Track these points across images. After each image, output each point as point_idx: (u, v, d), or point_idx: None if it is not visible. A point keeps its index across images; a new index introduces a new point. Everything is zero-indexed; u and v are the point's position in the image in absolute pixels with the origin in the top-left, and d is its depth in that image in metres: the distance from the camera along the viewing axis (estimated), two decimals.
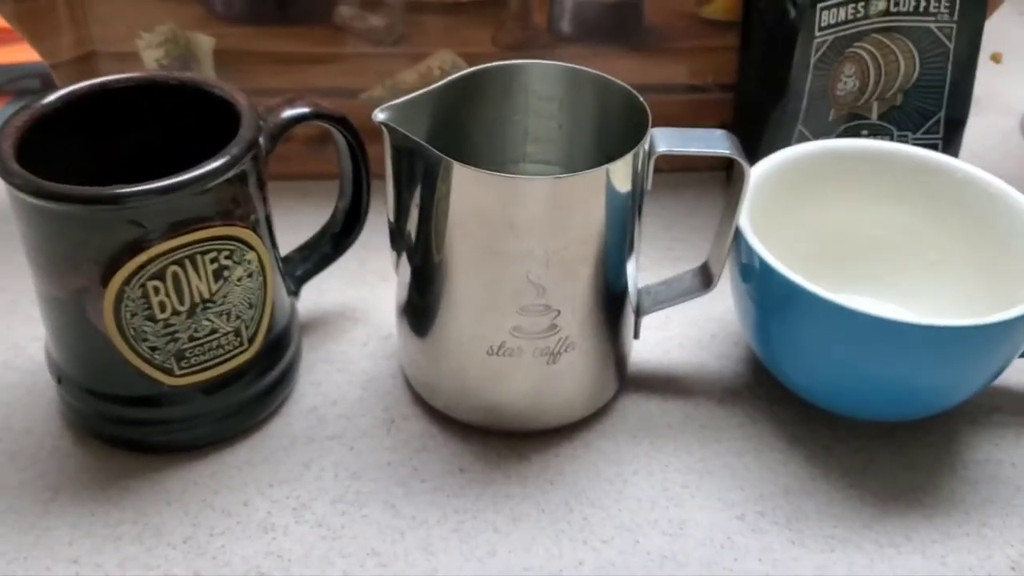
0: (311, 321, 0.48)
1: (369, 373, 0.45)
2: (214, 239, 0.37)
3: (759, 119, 0.52)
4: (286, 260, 0.45)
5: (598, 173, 0.36)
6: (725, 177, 0.58)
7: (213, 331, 0.38)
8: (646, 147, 0.38)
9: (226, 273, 0.38)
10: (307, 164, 0.57)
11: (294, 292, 0.45)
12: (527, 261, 0.37)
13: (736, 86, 0.56)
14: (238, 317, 0.39)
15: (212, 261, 0.37)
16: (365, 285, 0.51)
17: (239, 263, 0.38)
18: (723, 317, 0.49)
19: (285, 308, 0.43)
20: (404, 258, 0.41)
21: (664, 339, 0.47)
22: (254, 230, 0.39)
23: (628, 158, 0.37)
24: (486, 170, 0.36)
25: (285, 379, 0.43)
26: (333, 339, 0.47)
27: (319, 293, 0.49)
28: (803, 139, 0.51)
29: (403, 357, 0.44)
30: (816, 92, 0.50)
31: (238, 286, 0.38)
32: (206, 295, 0.38)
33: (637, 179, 0.38)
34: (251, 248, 0.38)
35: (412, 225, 0.40)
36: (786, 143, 0.49)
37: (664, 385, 0.45)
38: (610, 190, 0.37)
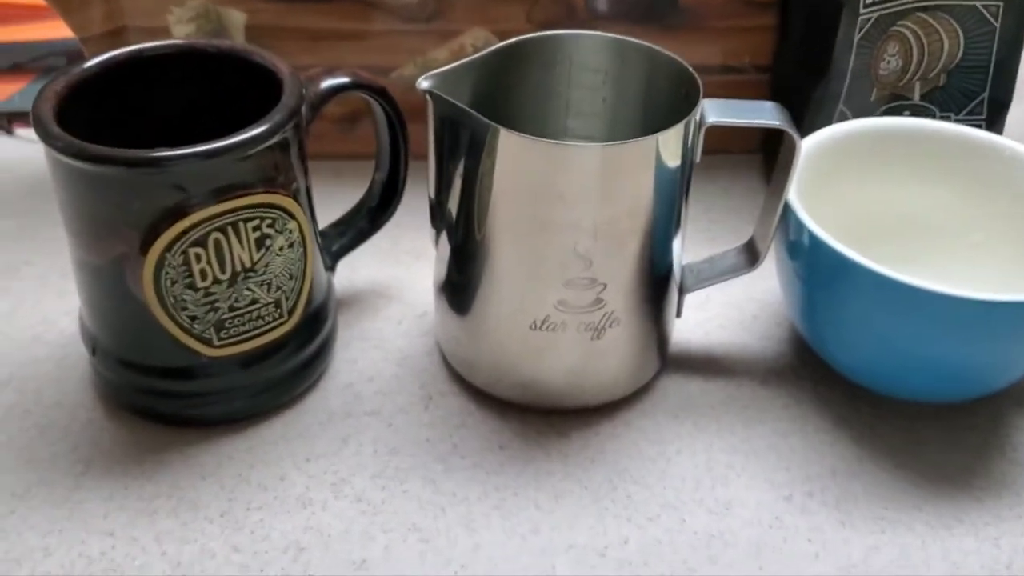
0: (345, 298, 0.47)
1: (405, 351, 0.45)
2: (257, 206, 0.36)
3: (799, 100, 0.51)
4: (322, 235, 0.44)
5: (649, 142, 0.35)
6: (761, 159, 0.58)
7: (254, 301, 0.38)
8: (697, 118, 0.37)
9: (268, 242, 0.37)
10: (338, 144, 0.57)
11: (330, 267, 0.44)
12: (575, 232, 0.36)
13: (773, 67, 0.55)
14: (279, 288, 0.38)
15: (255, 229, 0.36)
16: (399, 264, 0.50)
17: (281, 232, 0.37)
18: (763, 298, 0.48)
19: (323, 282, 0.42)
20: (444, 235, 0.41)
21: (704, 320, 0.47)
22: (295, 199, 0.38)
23: (679, 128, 0.36)
24: (536, 137, 0.35)
25: (322, 354, 0.42)
26: (368, 317, 0.47)
27: (352, 271, 0.49)
28: (844, 120, 0.50)
29: (440, 334, 0.44)
30: (858, 72, 0.49)
31: (279, 256, 0.38)
32: (248, 264, 0.37)
33: (687, 151, 0.37)
34: (292, 217, 0.38)
35: (454, 199, 0.39)
36: (827, 124, 0.49)
37: (705, 365, 0.44)
38: (660, 161, 0.36)
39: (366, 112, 0.44)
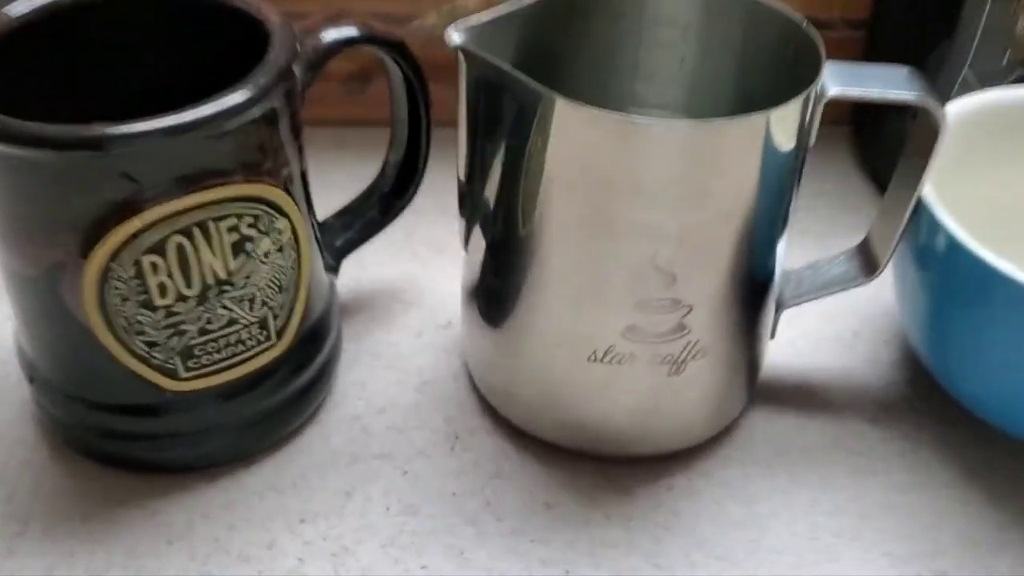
0: (351, 303, 0.39)
1: (425, 372, 0.36)
2: (233, 201, 0.27)
3: (907, 63, 0.42)
4: (323, 227, 0.35)
5: (757, 121, 0.26)
6: (851, 132, 0.48)
7: (231, 322, 0.29)
8: (817, 88, 0.28)
9: (249, 246, 0.28)
10: (344, 107, 0.48)
11: (333, 267, 0.35)
12: (654, 239, 0.28)
13: (871, 22, 0.46)
14: (264, 304, 0.30)
15: (231, 230, 0.28)
16: (416, 259, 0.41)
17: (266, 233, 0.29)
18: (865, 309, 0.39)
19: (323, 289, 0.33)
20: (477, 228, 0.32)
21: (795, 336, 0.38)
22: (286, 190, 0.29)
23: (797, 102, 0.27)
24: (607, 109, 0.26)
25: (321, 379, 0.34)
26: (380, 327, 0.38)
27: (360, 268, 0.40)
28: (967, 88, 0.41)
29: (470, 353, 0.35)
30: (990, 29, 0.40)
31: (265, 263, 0.29)
32: (222, 275, 0.28)
33: (803, 132, 0.28)
34: (282, 214, 0.29)
35: (491, 185, 0.30)
36: (946, 92, 0.40)
37: (799, 396, 0.36)
38: (770, 145, 0.27)
39: (379, 70, 0.35)
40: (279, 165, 0.29)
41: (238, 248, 0.28)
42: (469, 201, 0.32)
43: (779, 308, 0.33)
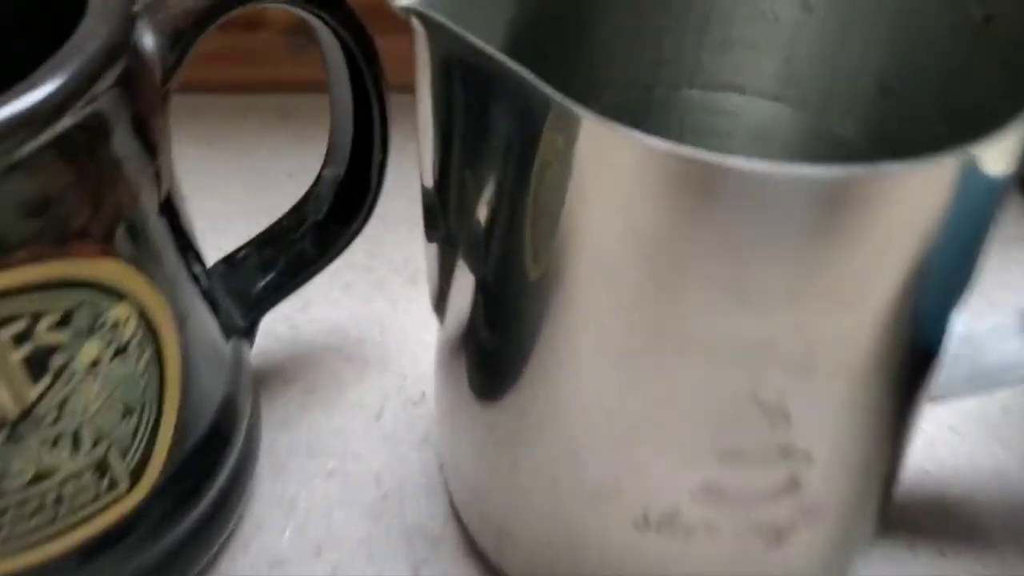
0: (280, 366, 0.27)
1: (385, 481, 0.25)
2: (18, 293, 0.16)
3: None
4: (231, 265, 0.24)
5: (946, 166, 0.14)
6: None
7: (42, 476, 0.18)
8: None
9: (57, 360, 0.17)
10: (289, 67, 0.36)
11: (243, 330, 0.24)
12: (759, 361, 0.16)
13: None
14: (98, 439, 0.18)
15: (18, 341, 0.16)
16: (379, 292, 0.29)
17: (89, 333, 0.17)
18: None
19: (219, 377, 0.22)
20: (460, 262, 0.20)
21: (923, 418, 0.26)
22: (128, 255, 0.17)
23: (1020, 126, 0.15)
24: (673, 143, 0.14)
25: (222, 512, 0.22)
26: (321, 404, 0.26)
27: (298, 306, 0.28)
28: None
29: (448, 459, 0.24)
30: None
31: (92, 378, 0.17)
32: (14, 411, 0.17)
33: (1013, 164, 0.16)
34: (118, 296, 0.17)
35: (481, 208, 0.18)
36: None
37: (935, 518, 0.24)
38: (966, 193, 0.15)
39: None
40: (111, 214, 0.17)
41: (37, 366, 0.16)
42: (442, 222, 0.20)
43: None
